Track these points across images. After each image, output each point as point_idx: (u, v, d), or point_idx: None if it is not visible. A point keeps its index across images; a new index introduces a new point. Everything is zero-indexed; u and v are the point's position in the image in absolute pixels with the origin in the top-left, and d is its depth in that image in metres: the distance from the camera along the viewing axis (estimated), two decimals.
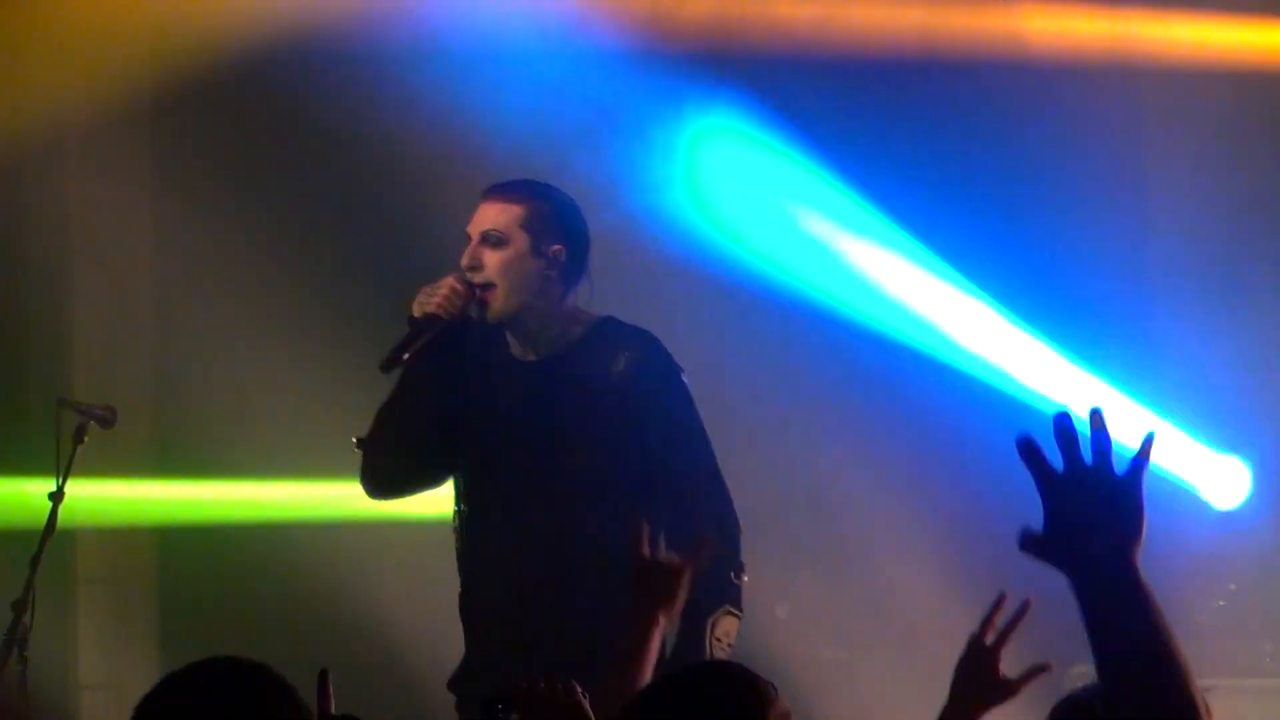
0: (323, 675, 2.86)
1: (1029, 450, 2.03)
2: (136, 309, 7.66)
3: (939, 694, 3.34)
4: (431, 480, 4.67)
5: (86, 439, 6.06)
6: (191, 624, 7.20)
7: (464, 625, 4.64)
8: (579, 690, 3.22)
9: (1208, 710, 2.05)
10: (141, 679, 6.86)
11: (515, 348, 4.58)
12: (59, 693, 7.00)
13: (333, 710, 2.91)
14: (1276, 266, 7.45)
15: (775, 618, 7.10)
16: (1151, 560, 2.05)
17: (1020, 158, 7.47)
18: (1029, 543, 2.05)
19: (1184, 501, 7.19)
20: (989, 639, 3.29)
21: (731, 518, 4.55)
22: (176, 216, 7.43)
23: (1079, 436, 2.04)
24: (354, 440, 4.59)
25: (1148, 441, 2.07)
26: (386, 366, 4.44)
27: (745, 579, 4.51)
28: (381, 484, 4.62)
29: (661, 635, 3.71)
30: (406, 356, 4.41)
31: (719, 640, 4.36)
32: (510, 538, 4.53)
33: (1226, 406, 7.40)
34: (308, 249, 7.29)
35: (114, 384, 7.22)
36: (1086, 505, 2.04)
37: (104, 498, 6.99)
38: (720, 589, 4.41)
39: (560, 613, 4.47)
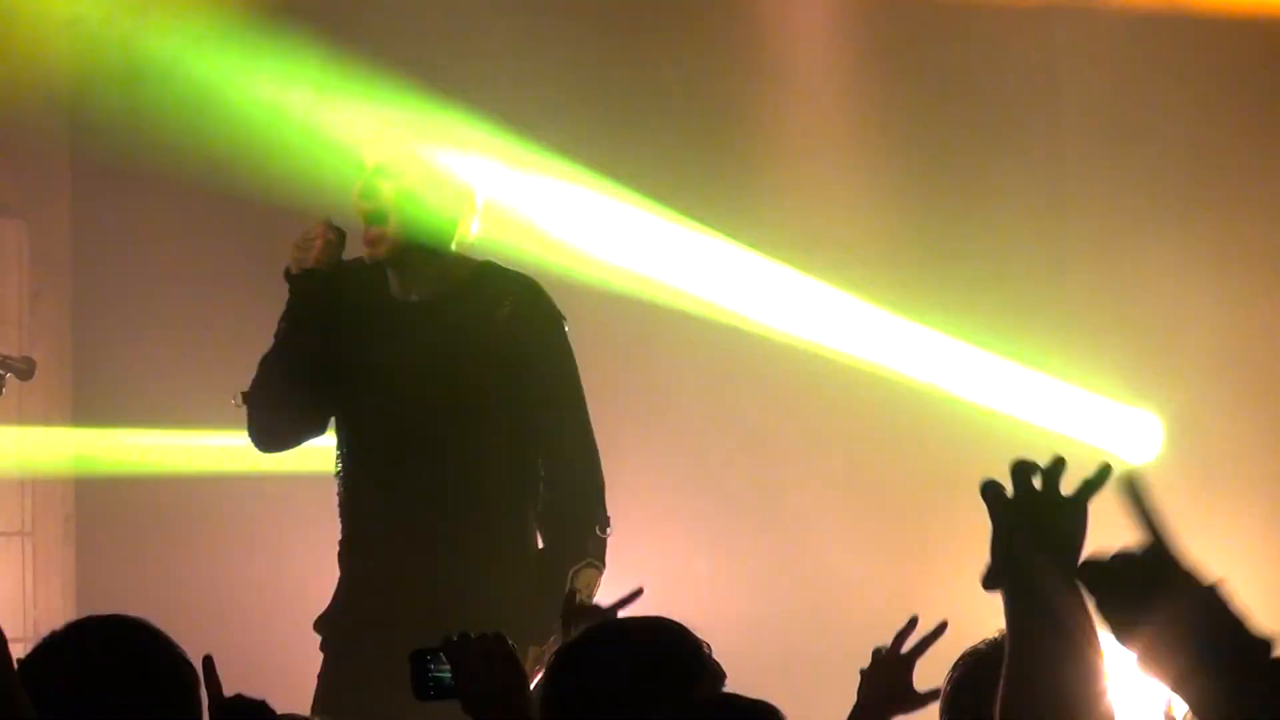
0: (207, 661, 2.80)
1: (988, 489, 2.15)
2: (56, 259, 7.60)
3: (860, 657, 3.42)
4: (315, 428, 4.63)
5: (4, 391, 6.05)
6: (108, 578, 7.17)
7: (341, 572, 4.61)
8: (509, 641, 3.23)
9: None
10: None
11: (395, 287, 4.50)
12: None
13: (222, 693, 2.86)
14: (1184, 220, 7.53)
15: (697, 573, 7.18)
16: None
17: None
18: (985, 577, 2.15)
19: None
20: (905, 649, 3.40)
21: (599, 473, 4.57)
22: (95, 163, 7.37)
23: (1030, 470, 2.15)
24: (236, 396, 4.54)
25: (1103, 470, 2.16)
26: (280, 333, 4.47)
27: (610, 533, 4.54)
28: (265, 437, 4.58)
29: None
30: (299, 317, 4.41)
31: (579, 590, 4.36)
32: (391, 485, 4.50)
33: (1134, 363, 7.47)
34: (228, 194, 7.25)
35: (33, 337, 7.18)
36: (1025, 525, 2.14)
37: (19, 449, 6.98)
38: (581, 542, 4.46)
39: (438, 565, 4.46)
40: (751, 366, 7.40)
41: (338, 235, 4.41)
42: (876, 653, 3.44)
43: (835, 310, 7.36)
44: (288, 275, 4.41)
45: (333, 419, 4.65)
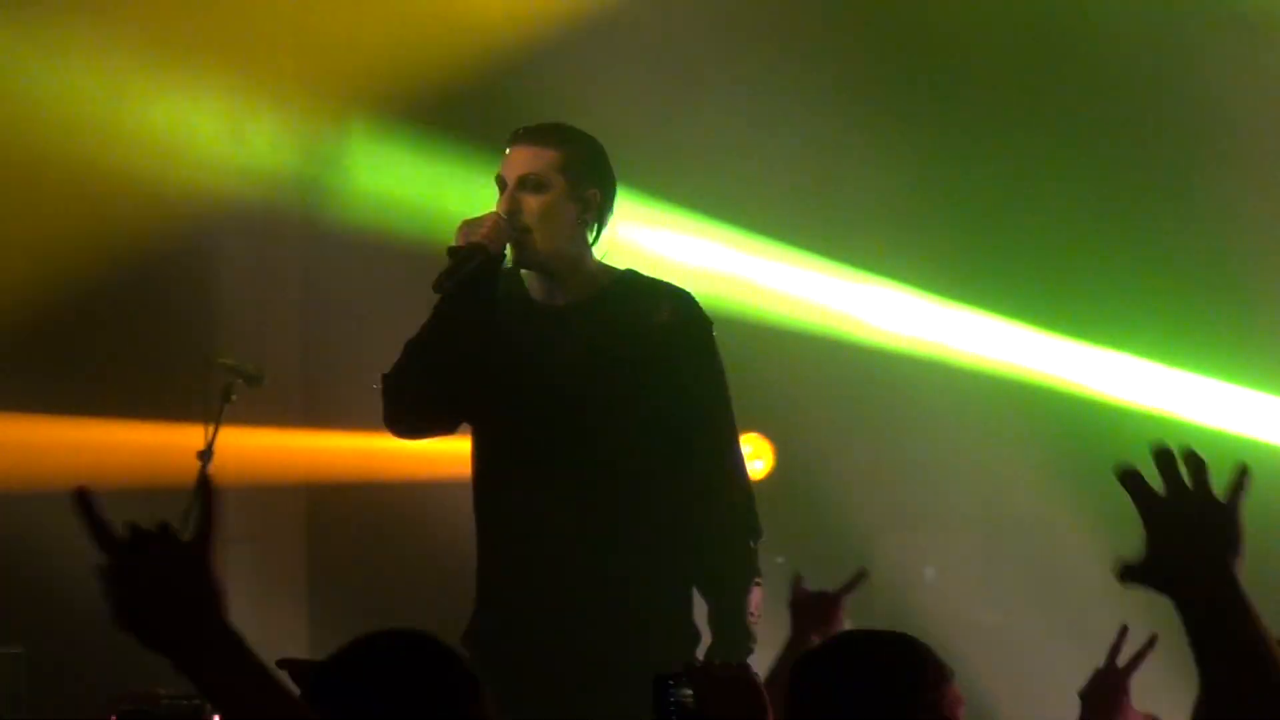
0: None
1: (1130, 477, 2.12)
2: (284, 271, 7.78)
3: (1091, 659, 3.38)
4: (450, 423, 4.56)
5: (234, 398, 6.16)
6: (340, 583, 7.27)
7: (479, 582, 4.49)
8: (751, 669, 3.22)
9: None
10: (289, 640, 6.97)
11: (538, 292, 4.47)
12: None
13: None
14: None
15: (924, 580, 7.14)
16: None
17: None
18: (1128, 571, 2.15)
19: None
20: (1120, 663, 3.35)
21: (749, 483, 4.52)
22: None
23: (1177, 462, 2.14)
24: (378, 379, 4.44)
25: (1243, 472, 2.15)
26: (438, 288, 4.31)
27: (759, 543, 4.47)
28: (402, 421, 4.48)
29: None
30: (452, 285, 4.28)
31: (753, 615, 4.31)
32: (534, 491, 4.43)
33: None
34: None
35: (262, 343, 7.33)
36: (1189, 527, 2.14)
37: (252, 455, 7.09)
38: (747, 561, 4.40)
39: (585, 574, 4.37)
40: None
41: (508, 225, 4.35)
42: (1099, 670, 3.41)
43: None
44: (451, 251, 4.33)
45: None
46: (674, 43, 7.56)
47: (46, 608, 6.59)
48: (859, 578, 4.07)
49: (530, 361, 4.44)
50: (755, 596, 4.35)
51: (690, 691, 3.16)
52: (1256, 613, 2.13)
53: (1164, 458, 2.14)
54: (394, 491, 7.27)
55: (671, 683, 3.19)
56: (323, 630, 7.20)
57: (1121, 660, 3.42)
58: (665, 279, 4.57)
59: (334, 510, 7.49)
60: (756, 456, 7.30)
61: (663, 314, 4.42)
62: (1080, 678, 3.42)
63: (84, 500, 2.24)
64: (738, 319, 6.87)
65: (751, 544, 4.42)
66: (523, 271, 4.44)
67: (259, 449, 7.16)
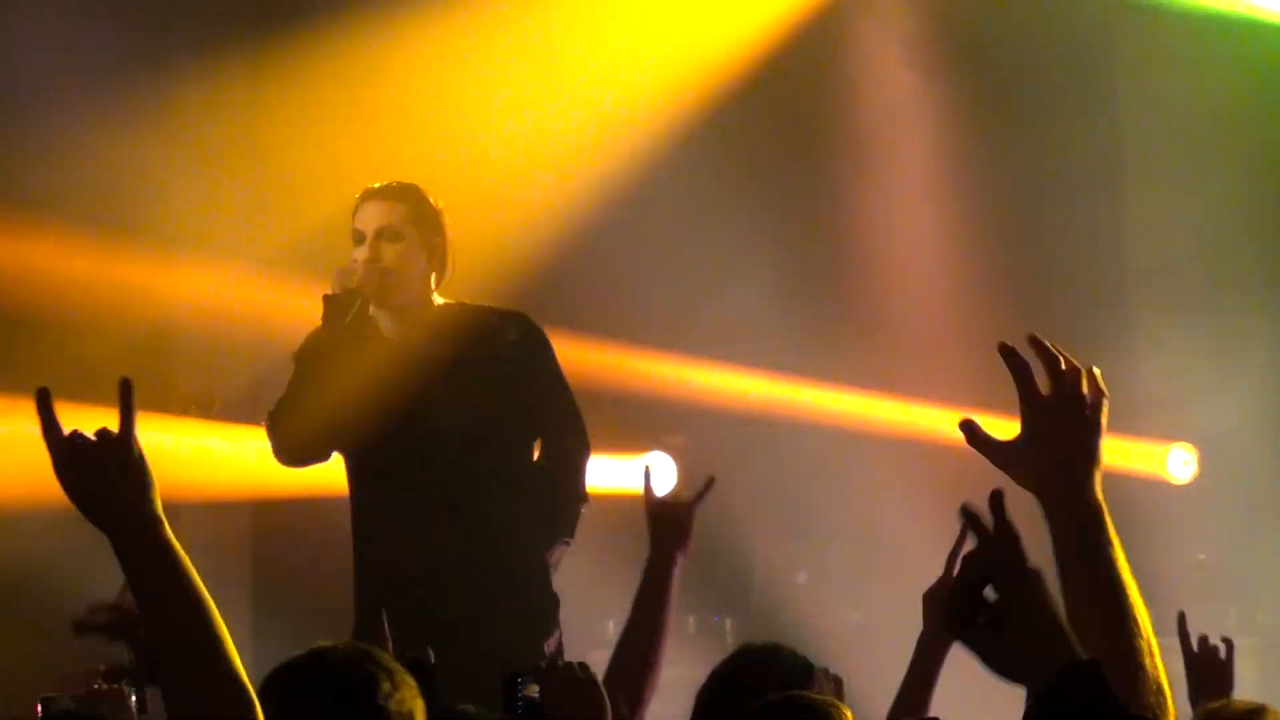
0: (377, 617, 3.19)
1: (1018, 366, 2.22)
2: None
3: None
4: (324, 452, 5.08)
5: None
6: (285, 593, 7.53)
7: (357, 595, 5.01)
8: (590, 669, 3.54)
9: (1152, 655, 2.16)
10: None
11: (390, 329, 5.04)
12: None
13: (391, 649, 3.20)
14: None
15: (796, 583, 7.78)
16: (1130, 537, 2.24)
17: None
18: (998, 448, 2.25)
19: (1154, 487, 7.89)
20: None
21: (587, 451, 5.10)
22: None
23: (1059, 361, 2.25)
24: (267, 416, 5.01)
25: (1098, 380, 2.27)
26: (330, 331, 4.92)
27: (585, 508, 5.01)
28: (282, 452, 5.00)
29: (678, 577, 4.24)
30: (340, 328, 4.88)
31: (552, 567, 4.97)
32: (406, 507, 4.99)
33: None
34: None
35: (214, 375, 7.71)
36: (1061, 424, 2.23)
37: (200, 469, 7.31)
38: (570, 521, 5.01)
39: (452, 576, 4.95)
40: None
41: (375, 269, 4.97)
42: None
43: None
44: (330, 299, 4.92)
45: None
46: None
47: None
48: (708, 487, 4.37)
49: (390, 391, 4.96)
50: (558, 553, 4.98)
51: (537, 688, 3.41)
52: (1109, 525, 2.19)
53: (1047, 354, 2.22)
54: (338, 506, 7.65)
55: (520, 680, 3.42)
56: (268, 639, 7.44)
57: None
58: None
59: (278, 522, 7.75)
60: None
61: (510, 334, 5.04)
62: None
63: (44, 398, 2.62)
64: None
65: (582, 508, 4.99)
66: (373, 310, 5.00)
67: (207, 463, 7.43)
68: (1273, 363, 8.05)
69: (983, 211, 8.37)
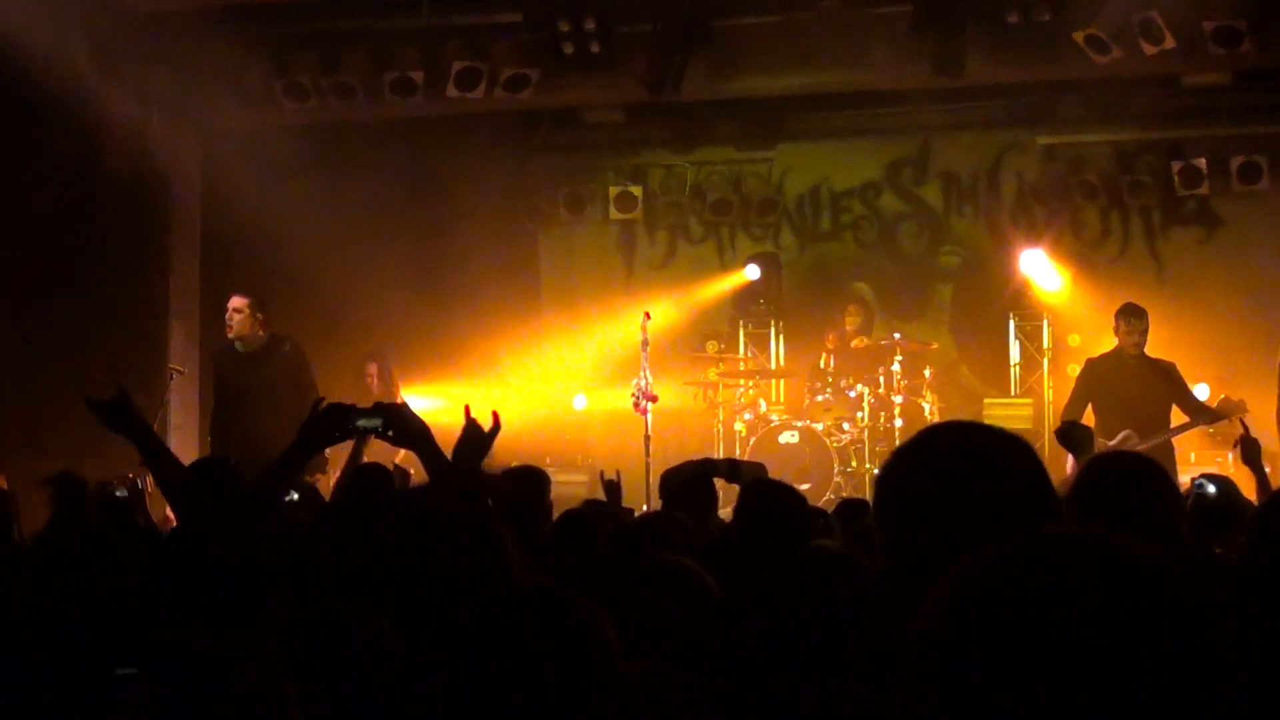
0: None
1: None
2: None
3: None
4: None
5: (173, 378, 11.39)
6: None
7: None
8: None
9: None
10: None
11: (239, 349, 11.71)
12: None
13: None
14: None
15: None
16: None
17: None
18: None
19: None
20: None
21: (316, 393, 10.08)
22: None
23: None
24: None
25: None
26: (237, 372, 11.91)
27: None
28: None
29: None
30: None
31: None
32: (239, 433, 11.27)
33: None
34: None
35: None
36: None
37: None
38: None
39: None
40: None
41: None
42: None
43: None
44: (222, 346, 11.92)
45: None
46: None
47: None
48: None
49: (240, 379, 11.73)
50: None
51: (380, 420, 4.26)
52: None
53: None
54: None
55: (357, 408, 4.39)
56: None
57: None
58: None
59: None
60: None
61: (285, 348, 11.68)
62: None
63: (121, 383, 5.34)
64: None
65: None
66: (234, 339, 11.66)
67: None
68: None
69: None
